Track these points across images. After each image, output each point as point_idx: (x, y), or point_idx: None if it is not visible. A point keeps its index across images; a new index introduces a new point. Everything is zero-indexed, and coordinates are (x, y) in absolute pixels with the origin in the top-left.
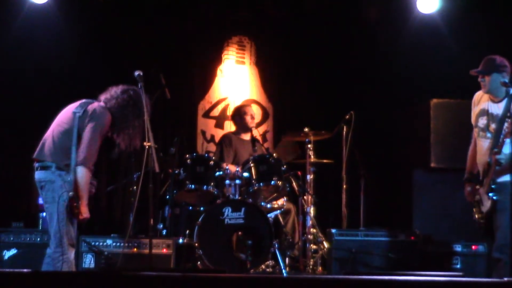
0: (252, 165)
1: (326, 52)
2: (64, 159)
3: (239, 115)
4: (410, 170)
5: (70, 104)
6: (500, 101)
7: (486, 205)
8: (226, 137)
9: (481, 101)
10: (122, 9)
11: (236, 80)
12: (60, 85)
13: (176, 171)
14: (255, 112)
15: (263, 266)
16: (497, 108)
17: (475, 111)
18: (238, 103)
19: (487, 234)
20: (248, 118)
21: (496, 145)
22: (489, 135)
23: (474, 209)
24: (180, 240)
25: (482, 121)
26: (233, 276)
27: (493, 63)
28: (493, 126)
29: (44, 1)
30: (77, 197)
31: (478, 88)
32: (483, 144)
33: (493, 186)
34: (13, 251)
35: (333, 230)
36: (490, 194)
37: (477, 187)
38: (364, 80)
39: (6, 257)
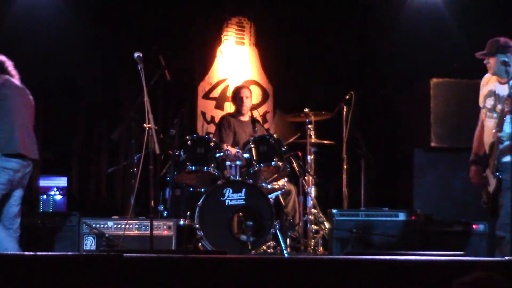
0: (252, 146)
1: (326, 32)
2: None
3: (234, 96)
4: (411, 149)
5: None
6: (507, 82)
7: (492, 184)
8: (224, 119)
9: (489, 83)
10: None
11: (235, 61)
12: (58, 68)
13: (176, 153)
14: (255, 93)
15: (264, 247)
16: (503, 89)
17: (483, 92)
18: (238, 84)
19: (493, 215)
20: (238, 101)
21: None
22: (495, 115)
23: (483, 193)
24: (181, 222)
25: (490, 102)
26: (234, 257)
27: (497, 44)
28: (499, 106)
29: None
30: None
31: (478, 68)
32: (489, 124)
33: (498, 165)
34: None
35: (334, 211)
36: (496, 173)
37: (484, 173)
38: (364, 60)
39: None
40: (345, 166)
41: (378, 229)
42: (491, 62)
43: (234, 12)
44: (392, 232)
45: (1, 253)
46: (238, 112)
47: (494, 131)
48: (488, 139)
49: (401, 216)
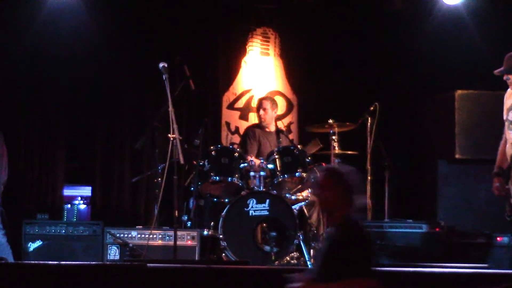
0: (276, 156)
1: (350, 43)
2: None
3: (257, 108)
4: (435, 161)
5: None
6: None
7: None
8: (249, 130)
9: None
10: (146, 1)
11: (260, 72)
12: (84, 78)
13: (200, 163)
14: (280, 103)
15: (288, 258)
16: None
17: (506, 105)
18: (262, 94)
19: None
20: (258, 113)
21: None
22: None
23: (506, 205)
24: (205, 232)
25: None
26: (258, 268)
27: None
28: None
29: None
30: None
31: (503, 80)
32: (511, 136)
33: None
34: (38, 243)
35: None
36: None
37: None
38: (389, 72)
39: (31, 249)
40: (369, 177)
41: (401, 240)
42: (511, 78)
43: (259, 23)
44: (416, 244)
45: (26, 262)
46: (261, 123)
47: (510, 141)
48: (510, 150)
49: (425, 228)
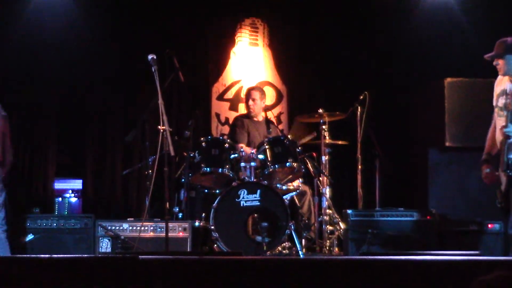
0: (267, 147)
1: (339, 32)
2: None
3: (245, 99)
4: (425, 149)
5: None
6: None
7: (504, 182)
8: (238, 119)
9: (502, 82)
10: None
11: (249, 62)
12: (72, 71)
13: (191, 154)
14: (269, 94)
15: (280, 248)
16: None
17: (496, 92)
18: (251, 85)
19: (507, 214)
20: (246, 104)
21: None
22: (505, 113)
23: (497, 192)
24: (196, 223)
25: (502, 101)
26: (250, 258)
27: (504, 45)
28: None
29: None
30: None
31: (492, 67)
32: (500, 122)
33: (509, 162)
34: (29, 237)
35: (349, 211)
36: (507, 171)
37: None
38: (378, 60)
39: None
40: (359, 167)
41: (393, 229)
42: (500, 63)
43: (248, 13)
44: (407, 232)
45: (17, 256)
46: (250, 113)
47: (500, 127)
48: (499, 137)
49: (416, 216)
